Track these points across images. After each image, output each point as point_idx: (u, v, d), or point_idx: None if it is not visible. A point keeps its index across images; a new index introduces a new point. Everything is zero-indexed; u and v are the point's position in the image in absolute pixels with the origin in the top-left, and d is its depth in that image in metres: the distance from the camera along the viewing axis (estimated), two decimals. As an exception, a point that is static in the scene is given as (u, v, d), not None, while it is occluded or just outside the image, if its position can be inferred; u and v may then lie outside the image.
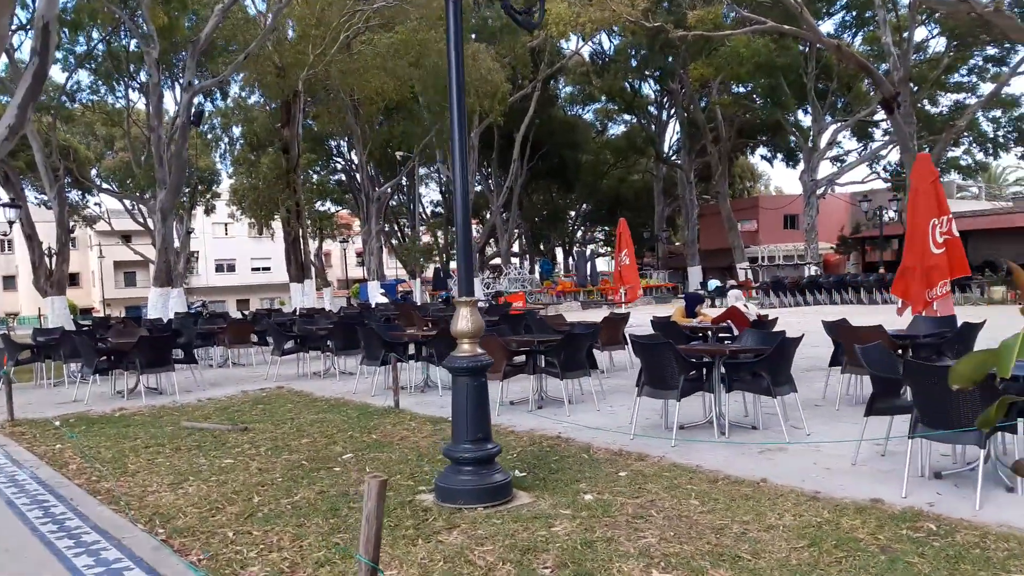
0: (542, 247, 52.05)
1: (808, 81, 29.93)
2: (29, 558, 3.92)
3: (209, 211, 39.32)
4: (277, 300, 47.05)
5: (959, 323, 7.18)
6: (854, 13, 30.67)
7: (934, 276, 8.05)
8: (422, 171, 40.55)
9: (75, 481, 5.48)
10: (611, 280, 29.69)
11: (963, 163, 34.84)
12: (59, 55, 22.69)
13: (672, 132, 40.22)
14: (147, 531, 4.23)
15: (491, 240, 43.62)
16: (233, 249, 58.51)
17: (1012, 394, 2.74)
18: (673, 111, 37.91)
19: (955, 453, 4.90)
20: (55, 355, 11.49)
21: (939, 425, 4.07)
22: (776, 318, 8.59)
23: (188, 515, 4.50)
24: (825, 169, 33.85)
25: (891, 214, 29.83)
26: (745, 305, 8.08)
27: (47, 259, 21.11)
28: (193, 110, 19.09)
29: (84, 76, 27.62)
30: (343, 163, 40.41)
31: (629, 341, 6.57)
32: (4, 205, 18.17)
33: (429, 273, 44.54)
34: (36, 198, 31.42)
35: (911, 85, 25.06)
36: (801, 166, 32.52)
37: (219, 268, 59.34)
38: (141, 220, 34.89)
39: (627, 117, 42.53)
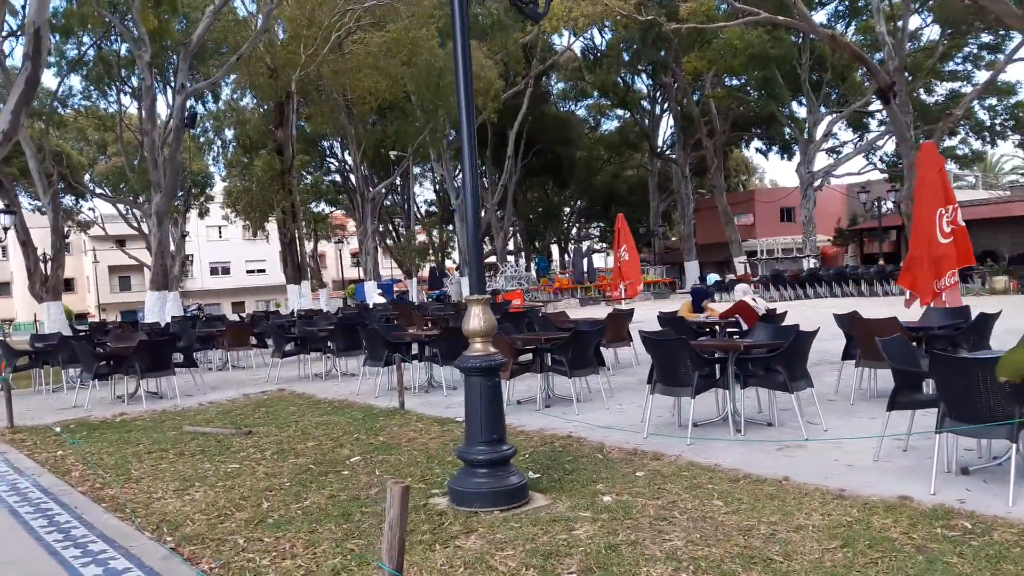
0: (537, 244, 51.97)
1: (802, 72, 29.86)
2: (36, 570, 3.80)
3: (203, 214, 39.15)
4: (272, 302, 46.88)
5: (973, 314, 7.08)
6: (847, 3, 30.65)
7: (942, 266, 7.96)
8: (415, 170, 40.42)
9: (78, 488, 5.36)
10: (608, 277, 29.64)
11: (959, 152, 34.84)
12: (50, 61, 22.48)
13: (666, 126, 40.20)
14: (155, 539, 4.12)
15: (486, 238, 43.50)
16: (228, 252, 58.32)
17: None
18: (666, 105, 37.81)
19: (980, 447, 4.81)
20: (53, 361, 11.36)
21: (968, 419, 3.98)
22: (785, 312, 8.50)
23: (196, 522, 4.39)
24: (821, 161, 33.86)
25: (889, 205, 29.81)
26: (754, 299, 7.99)
27: (42, 265, 20.93)
28: (186, 112, 18.95)
29: (76, 81, 27.43)
30: (337, 164, 40.27)
31: (637, 337, 6.47)
32: (-1, 211, 18.01)
33: (424, 272, 44.46)
34: (30, 204, 31.23)
35: (906, 74, 25.01)
36: (797, 158, 32.48)
37: (214, 271, 59.15)
38: (135, 224, 34.71)
39: (620, 112, 42.47)
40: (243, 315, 20.07)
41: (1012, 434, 3.82)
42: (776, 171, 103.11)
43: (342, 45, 24.20)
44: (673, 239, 46.83)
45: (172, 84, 24.57)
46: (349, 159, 34.57)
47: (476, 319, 4.46)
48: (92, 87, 27.39)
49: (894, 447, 5.01)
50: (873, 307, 10.82)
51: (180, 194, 30.58)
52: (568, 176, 42.59)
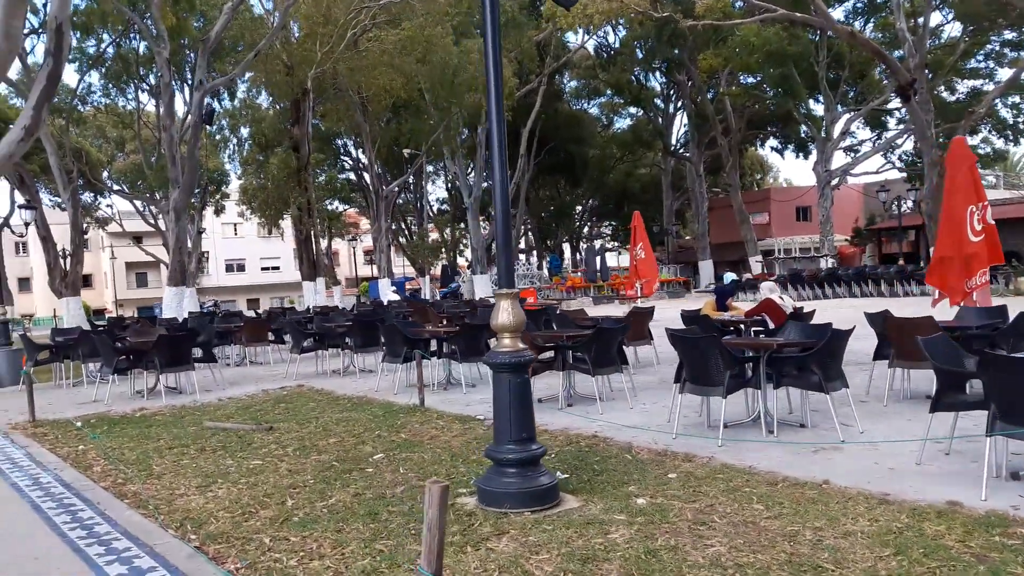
0: (549, 243, 51.80)
1: (820, 70, 29.48)
2: (59, 567, 3.74)
3: (219, 211, 39.32)
4: (287, 299, 47.01)
5: (1011, 314, 6.88)
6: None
7: (974, 265, 7.75)
8: (428, 168, 40.38)
9: (101, 484, 5.31)
10: (623, 275, 29.46)
11: (981, 151, 34.31)
12: (70, 58, 22.65)
13: (680, 124, 39.85)
14: (179, 537, 4.05)
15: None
16: (243, 249, 58.61)
17: None
18: (680, 103, 37.51)
19: (1029, 451, 4.65)
20: (74, 355, 11.41)
21: (1023, 422, 3.82)
22: (814, 310, 8.32)
23: (220, 520, 4.31)
24: (839, 160, 33.44)
25: (908, 204, 29.38)
26: (781, 297, 7.81)
27: (61, 260, 21.09)
28: (204, 109, 19.01)
29: (95, 79, 27.65)
30: (351, 162, 40.30)
31: (665, 336, 6.33)
32: (21, 207, 18.19)
33: (436, 270, 44.44)
34: (50, 200, 31.50)
35: (926, 72, 24.64)
36: (814, 157, 32.11)
37: (229, 268, 59.48)
38: (152, 221, 34.92)
39: (633, 110, 42.17)
40: (259, 311, 20.12)
41: (1070, 438, 3.66)
42: (790, 170, 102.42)
43: (357, 43, 24.18)
44: (687, 238, 46.50)
45: (190, 81, 24.71)
46: (363, 157, 34.59)
47: (506, 313, 4.34)
48: (111, 84, 27.58)
49: (936, 451, 4.85)
50: (897, 307, 10.57)
51: (197, 191, 30.76)
52: (581, 174, 42.37)
